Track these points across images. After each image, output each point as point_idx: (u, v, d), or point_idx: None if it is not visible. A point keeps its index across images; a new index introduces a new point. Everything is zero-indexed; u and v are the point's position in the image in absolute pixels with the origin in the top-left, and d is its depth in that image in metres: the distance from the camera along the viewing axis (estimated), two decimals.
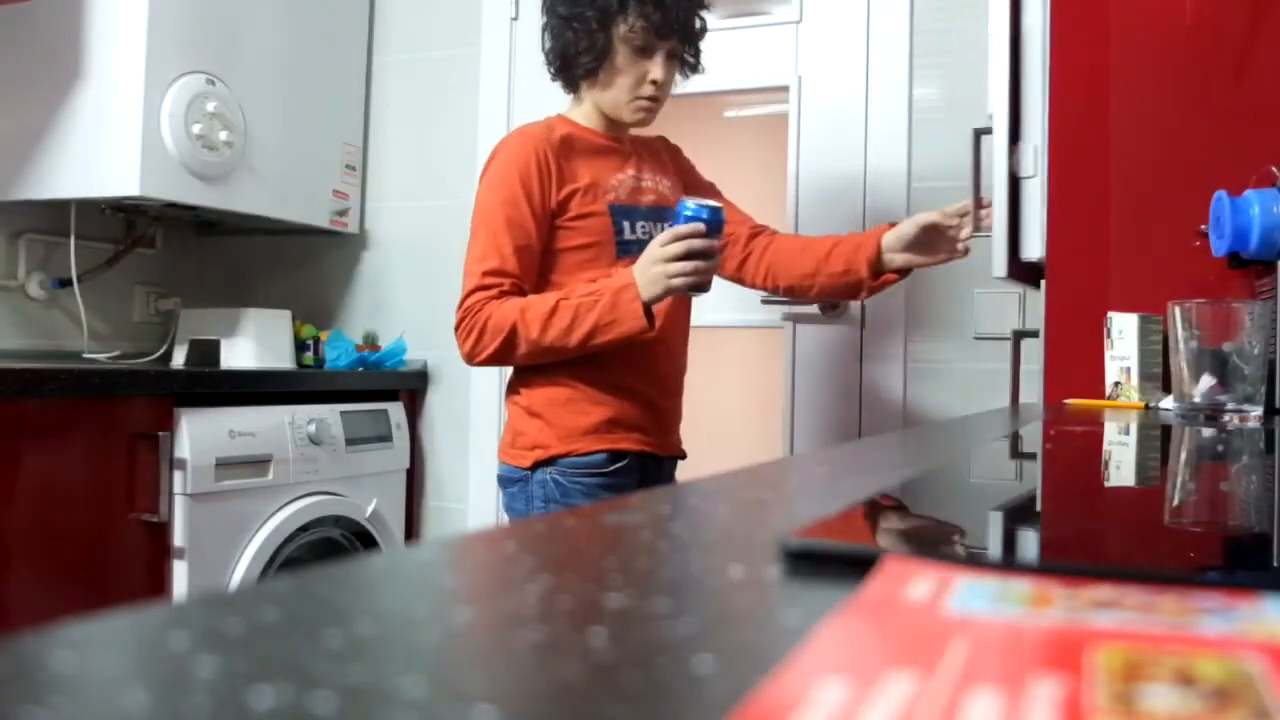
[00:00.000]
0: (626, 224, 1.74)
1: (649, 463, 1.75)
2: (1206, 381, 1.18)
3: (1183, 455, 0.81)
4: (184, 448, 1.95)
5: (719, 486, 0.46)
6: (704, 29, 1.81)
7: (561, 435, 1.68)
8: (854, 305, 2.30)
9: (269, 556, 2.10)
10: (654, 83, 1.74)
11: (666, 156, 1.91)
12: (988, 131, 1.91)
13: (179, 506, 1.95)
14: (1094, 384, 1.59)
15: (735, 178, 2.49)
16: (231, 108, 2.32)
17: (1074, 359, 1.68)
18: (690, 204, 1.58)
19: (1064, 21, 1.73)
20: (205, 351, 2.41)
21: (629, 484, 1.70)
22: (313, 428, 2.20)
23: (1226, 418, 1.16)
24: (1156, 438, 0.97)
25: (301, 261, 2.81)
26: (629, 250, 1.71)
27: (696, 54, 1.82)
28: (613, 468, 1.69)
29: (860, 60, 2.32)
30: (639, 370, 1.71)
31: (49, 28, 2.23)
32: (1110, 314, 1.57)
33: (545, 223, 1.69)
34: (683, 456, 1.84)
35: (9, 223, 2.38)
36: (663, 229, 1.63)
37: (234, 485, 2.03)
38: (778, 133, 2.41)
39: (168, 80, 2.20)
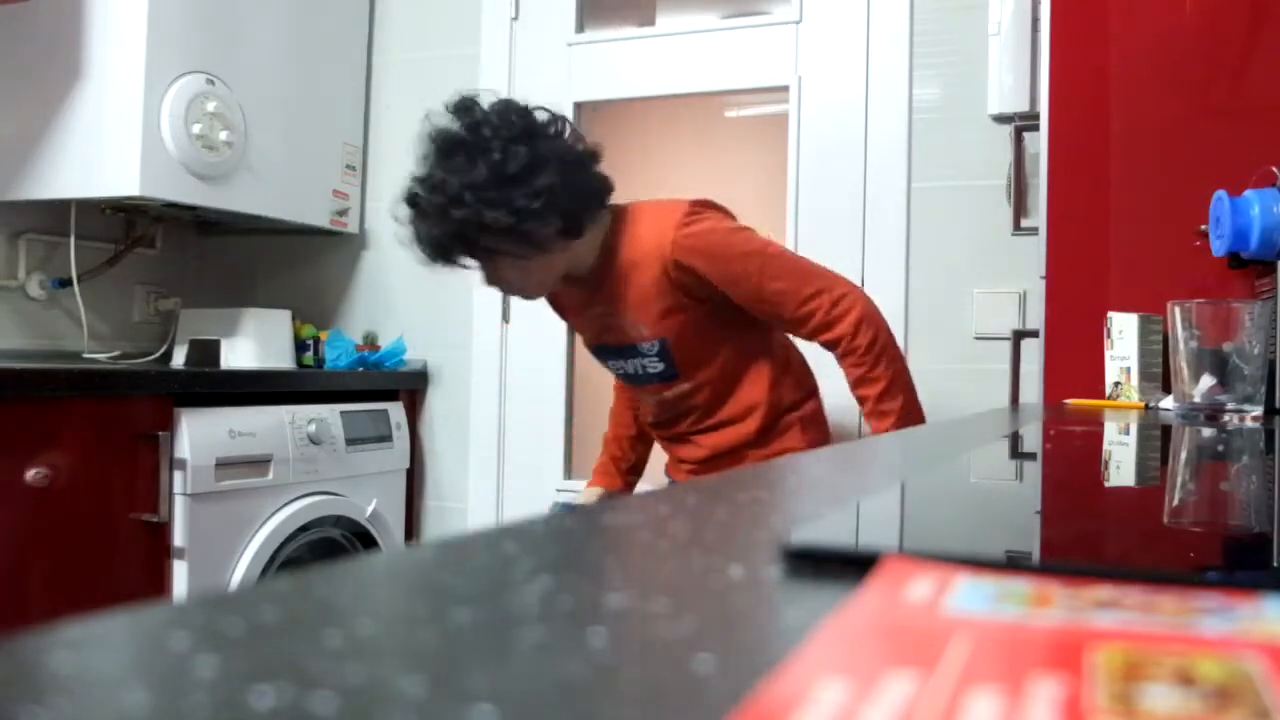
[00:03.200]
0: (612, 362, 1.79)
1: None
2: (1206, 381, 1.18)
3: (1183, 455, 0.81)
4: (184, 448, 1.95)
5: (719, 486, 0.46)
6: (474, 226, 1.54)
7: None
8: None
9: (269, 556, 2.10)
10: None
11: (631, 282, 1.65)
12: (1030, 128, 1.91)
13: (179, 506, 1.95)
14: (1094, 384, 1.59)
15: (735, 178, 2.50)
16: (231, 108, 2.32)
17: (1074, 359, 1.68)
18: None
19: (1064, 21, 1.73)
20: (205, 351, 2.41)
21: None
22: (313, 428, 2.20)
23: (1226, 418, 1.16)
24: (1156, 438, 0.97)
25: (301, 261, 2.81)
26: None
27: (496, 246, 1.58)
28: None
29: (860, 60, 2.32)
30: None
31: (49, 28, 2.22)
32: (1110, 314, 1.57)
33: None
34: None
35: (9, 223, 2.38)
36: (632, 367, 1.74)
37: (234, 485, 2.03)
38: (778, 133, 2.41)
39: (168, 80, 2.19)
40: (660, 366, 1.70)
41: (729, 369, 1.72)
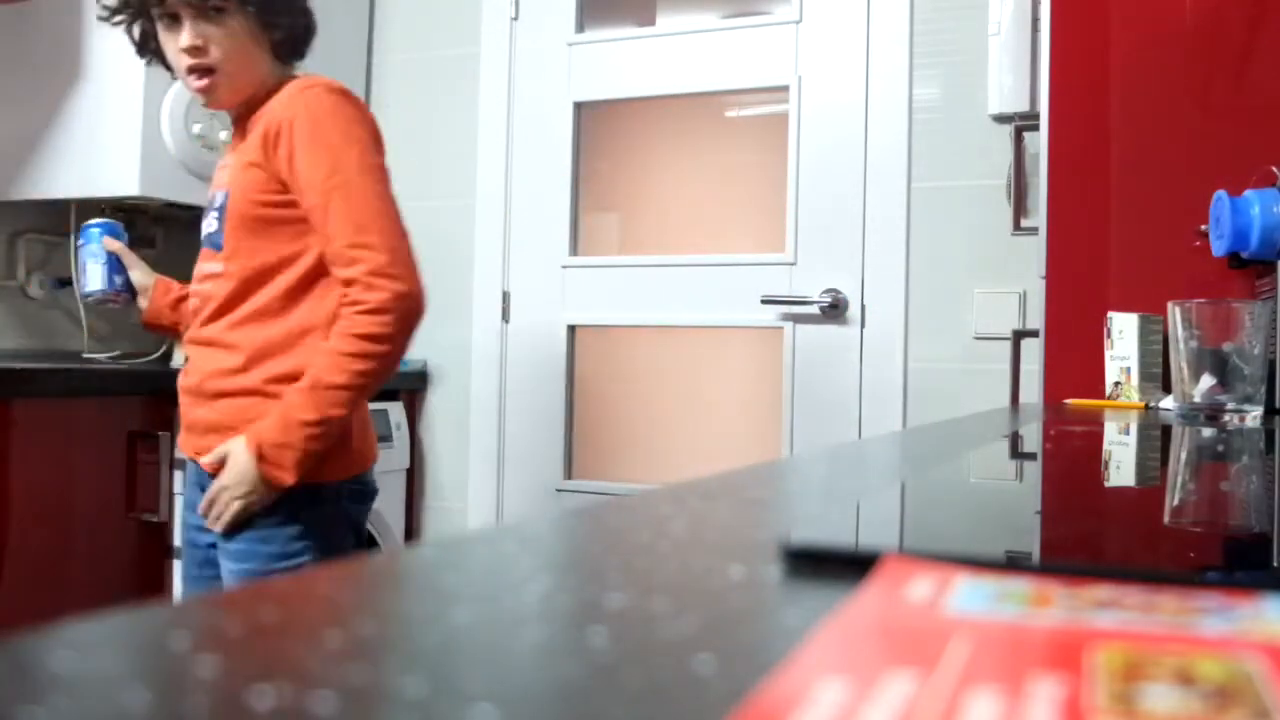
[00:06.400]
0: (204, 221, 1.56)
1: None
2: (1206, 381, 1.18)
3: (1183, 455, 0.81)
4: None
5: (719, 486, 0.46)
6: None
7: None
8: (854, 305, 2.30)
9: None
10: (186, 50, 1.45)
11: (258, 139, 1.47)
12: (1030, 128, 1.91)
13: (179, 506, 1.95)
14: (1094, 384, 1.59)
15: (735, 178, 2.50)
16: None
17: (1074, 359, 1.68)
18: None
19: (1064, 21, 1.73)
20: None
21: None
22: None
23: (1226, 418, 1.16)
24: (1156, 438, 0.97)
25: None
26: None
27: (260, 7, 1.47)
28: None
29: (860, 60, 2.32)
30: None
31: (49, 28, 2.22)
32: (1110, 314, 1.57)
33: None
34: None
35: (9, 223, 2.38)
36: (205, 222, 1.52)
37: None
38: (778, 133, 2.41)
39: (168, 80, 2.19)
40: (214, 225, 1.49)
41: (264, 277, 1.47)
